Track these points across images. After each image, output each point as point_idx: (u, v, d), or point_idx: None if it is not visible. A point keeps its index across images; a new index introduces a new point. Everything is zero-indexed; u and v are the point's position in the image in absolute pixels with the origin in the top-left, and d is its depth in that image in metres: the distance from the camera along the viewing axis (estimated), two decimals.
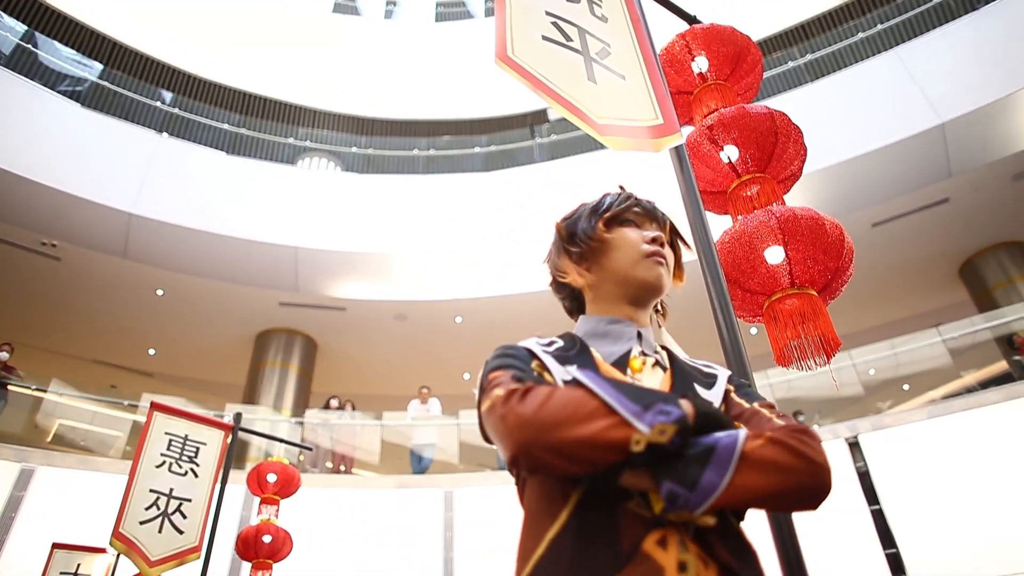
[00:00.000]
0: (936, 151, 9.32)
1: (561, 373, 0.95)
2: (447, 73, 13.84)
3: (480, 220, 10.89)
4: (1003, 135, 9.18)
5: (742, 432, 0.80)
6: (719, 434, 0.80)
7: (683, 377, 1.04)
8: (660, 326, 1.23)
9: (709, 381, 1.06)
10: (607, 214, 1.13)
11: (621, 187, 1.24)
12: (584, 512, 0.83)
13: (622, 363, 1.01)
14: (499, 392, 0.84)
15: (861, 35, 11.03)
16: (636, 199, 1.17)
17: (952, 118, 8.96)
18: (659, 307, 1.21)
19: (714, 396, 1.03)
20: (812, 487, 0.80)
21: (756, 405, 0.99)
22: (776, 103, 9.94)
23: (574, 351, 1.01)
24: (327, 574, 7.63)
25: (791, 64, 11.45)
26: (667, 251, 1.13)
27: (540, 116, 14.16)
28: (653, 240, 1.10)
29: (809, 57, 11.37)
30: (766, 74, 11.23)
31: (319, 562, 7.55)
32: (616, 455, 0.76)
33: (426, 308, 11.44)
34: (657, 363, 1.04)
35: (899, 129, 9.27)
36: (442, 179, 11.77)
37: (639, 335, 1.07)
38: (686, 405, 0.80)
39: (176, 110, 11.75)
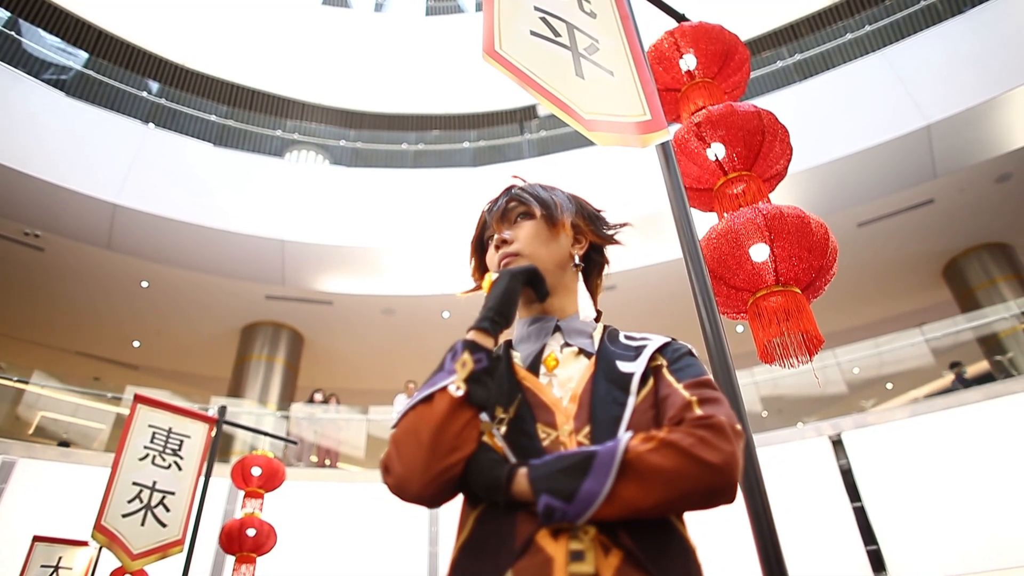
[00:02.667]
0: (922, 152, 9.40)
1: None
2: (437, 67, 13.79)
3: (468, 215, 10.84)
4: (987, 137, 9.27)
5: (626, 436, 0.81)
6: (606, 444, 0.81)
7: (606, 359, 1.00)
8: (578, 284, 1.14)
9: (633, 354, 1.00)
10: (474, 258, 1.21)
11: (516, 177, 1.25)
12: (485, 521, 0.86)
13: (536, 362, 1.02)
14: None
15: (850, 36, 11.09)
16: (485, 216, 1.19)
17: (938, 120, 9.04)
18: (577, 260, 1.13)
19: (636, 368, 0.97)
20: (706, 491, 0.78)
21: (681, 386, 0.92)
22: (764, 102, 9.99)
23: (499, 364, 1.03)
24: (311, 568, 7.62)
25: (780, 64, 11.50)
26: (518, 231, 1.11)
27: (530, 112, 14.15)
28: (497, 248, 1.11)
29: (798, 57, 11.43)
30: (755, 73, 11.28)
31: (303, 556, 7.54)
32: (461, 417, 0.84)
33: (413, 303, 11.41)
34: (582, 352, 1.03)
35: (886, 130, 9.34)
36: (431, 173, 11.74)
37: (559, 328, 1.06)
38: (469, 335, 0.90)
39: (163, 101, 11.63)
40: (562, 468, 0.80)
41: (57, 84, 10.29)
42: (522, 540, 0.79)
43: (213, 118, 11.91)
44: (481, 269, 1.21)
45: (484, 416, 0.92)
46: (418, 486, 0.82)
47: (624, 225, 1.23)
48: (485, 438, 0.90)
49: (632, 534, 0.79)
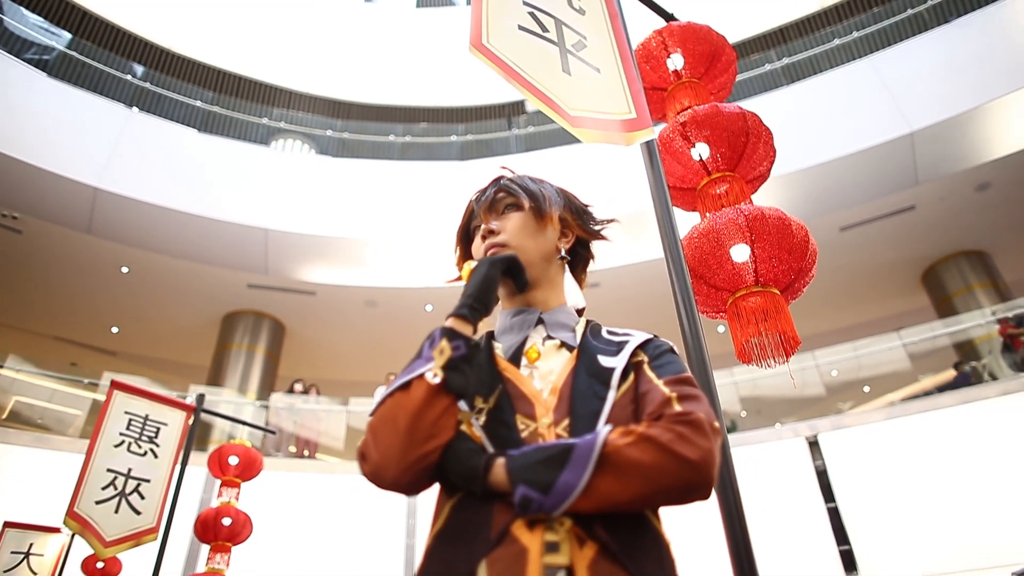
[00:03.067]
0: (904, 159, 9.51)
1: None
2: (426, 59, 13.74)
3: (454, 209, 10.78)
4: (969, 146, 9.40)
5: (605, 430, 0.82)
6: (584, 437, 0.82)
7: (587, 353, 1.00)
8: (564, 274, 1.17)
9: (615, 349, 1.01)
10: (459, 248, 1.19)
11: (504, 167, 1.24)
12: (460, 510, 0.85)
13: (518, 354, 1.02)
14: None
15: (838, 41, 11.18)
16: (473, 205, 1.18)
17: (921, 127, 9.15)
18: (563, 254, 1.14)
19: (617, 363, 0.98)
20: (684, 487, 0.79)
21: (661, 382, 0.92)
22: (751, 105, 10.05)
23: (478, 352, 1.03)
24: (288, 558, 7.59)
25: (768, 67, 11.57)
26: (505, 223, 1.10)
27: (518, 107, 14.13)
28: (484, 238, 1.11)
29: (786, 61, 11.50)
30: (743, 76, 11.33)
31: (279, 546, 7.51)
32: (438, 405, 0.84)
33: (397, 295, 11.38)
34: (564, 345, 1.03)
35: (870, 136, 9.44)
36: (417, 166, 11.70)
37: (541, 320, 1.07)
38: (448, 322, 0.91)
39: (148, 84, 11.47)
40: (540, 459, 0.80)
41: (39, 64, 10.12)
42: (497, 530, 0.79)
43: (199, 104, 11.77)
44: (466, 258, 1.20)
45: (463, 405, 0.92)
46: (394, 473, 0.82)
47: (611, 221, 1.24)
48: (463, 427, 0.90)
49: (607, 527, 0.80)
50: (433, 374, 0.84)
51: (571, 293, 1.11)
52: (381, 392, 0.87)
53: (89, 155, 9.53)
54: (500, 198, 1.13)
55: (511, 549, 0.78)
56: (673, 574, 0.84)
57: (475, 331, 0.93)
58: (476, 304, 0.93)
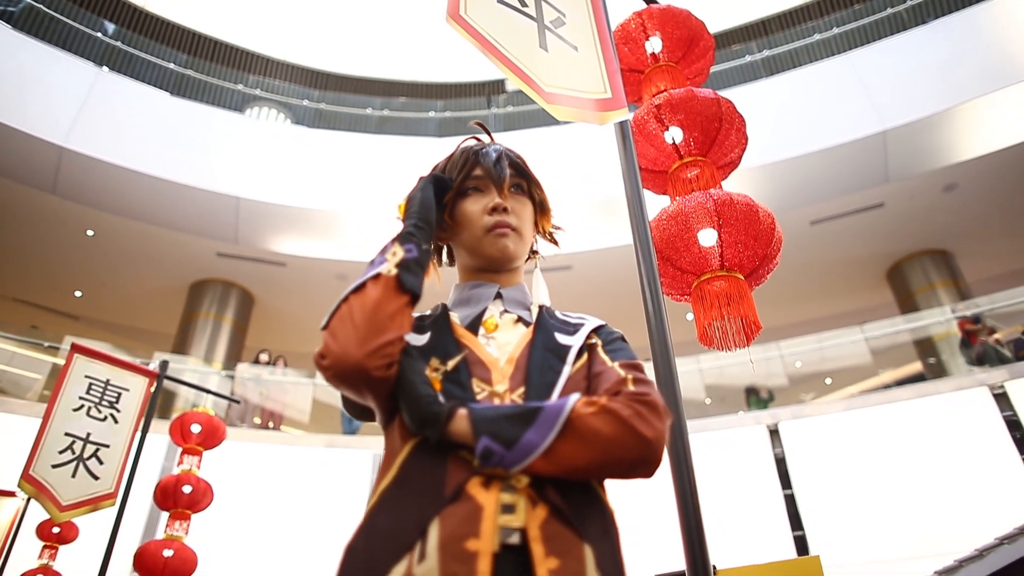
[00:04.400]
0: (876, 157, 9.66)
1: (413, 340, 0.98)
2: (407, 33, 13.55)
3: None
4: (939, 147, 9.57)
5: (574, 397, 0.84)
6: (551, 401, 0.84)
7: (544, 330, 1.03)
8: (536, 271, 1.21)
9: (572, 330, 1.04)
10: (447, 196, 1.12)
11: (477, 138, 1.23)
12: (413, 462, 0.85)
13: (476, 323, 1.04)
14: None
15: (818, 36, 11.27)
16: (475, 157, 1.14)
17: (895, 126, 9.30)
18: (535, 247, 1.20)
19: (574, 341, 1.01)
20: (635, 460, 0.82)
21: (616, 364, 0.96)
22: (731, 95, 10.06)
23: (429, 320, 1.05)
24: (249, 527, 7.57)
25: (748, 58, 11.63)
26: (516, 206, 1.12)
27: (498, 86, 14.04)
28: (494, 210, 1.09)
29: (767, 53, 11.57)
30: (725, 66, 11.38)
31: (241, 515, 7.48)
32: (394, 300, 0.87)
33: None
34: (520, 319, 1.06)
35: (844, 132, 9.57)
36: (394, 141, 11.58)
37: (500, 295, 1.09)
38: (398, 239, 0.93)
39: (119, 43, 11.15)
40: (506, 415, 0.82)
41: (3, 16, 9.77)
42: (452, 487, 0.80)
43: (172, 66, 11.49)
44: (442, 206, 1.13)
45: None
46: (357, 357, 0.82)
47: (558, 229, 1.26)
48: (428, 373, 0.91)
49: (559, 491, 0.82)
50: (387, 270, 0.88)
51: (540, 293, 1.14)
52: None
53: (55, 113, 9.26)
54: (511, 175, 1.14)
55: (466, 506, 0.78)
56: (617, 540, 0.86)
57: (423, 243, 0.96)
58: (421, 223, 0.97)
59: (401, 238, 0.94)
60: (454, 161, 1.16)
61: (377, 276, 0.88)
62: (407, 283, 0.88)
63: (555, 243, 1.25)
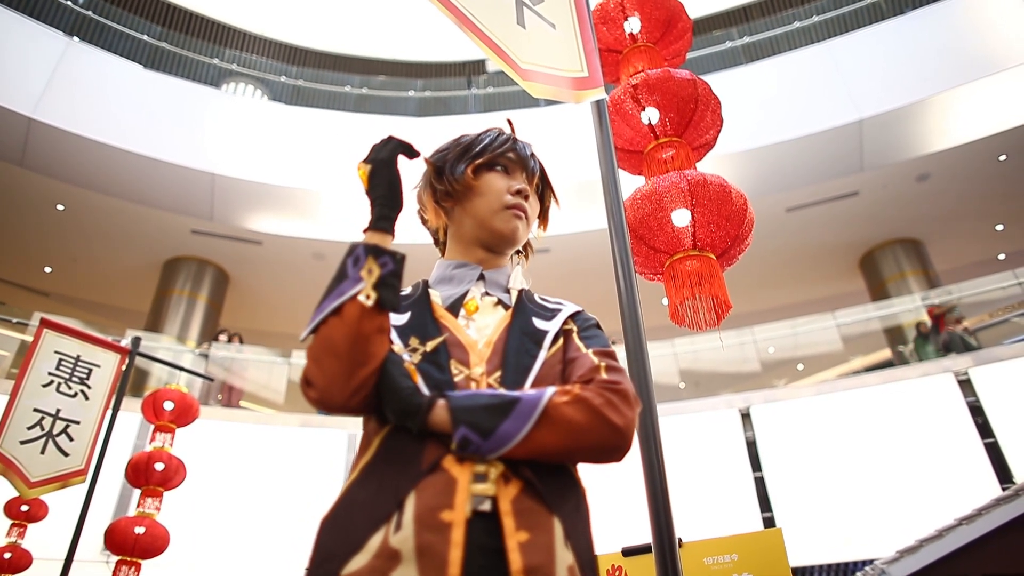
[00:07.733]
0: (852, 145, 9.77)
1: (392, 319, 0.99)
2: (387, 10, 13.35)
3: (410, 166, 10.68)
4: (914, 137, 9.71)
5: (550, 390, 0.87)
6: (529, 392, 0.87)
7: (523, 313, 1.06)
8: (520, 263, 1.25)
9: (549, 315, 1.07)
10: (479, 159, 1.14)
11: (510, 121, 1.26)
12: (391, 445, 0.88)
13: (457, 305, 1.06)
14: None
15: (798, 24, 11.33)
16: (513, 143, 1.18)
17: (870, 115, 9.40)
18: (521, 247, 1.24)
19: (550, 327, 1.04)
20: (605, 447, 0.87)
21: (591, 352, 0.99)
22: (710, 81, 10.12)
23: (411, 299, 1.06)
24: (222, 505, 7.54)
25: (728, 44, 11.65)
26: (532, 201, 1.17)
27: (479, 66, 13.92)
28: (518, 192, 1.13)
29: (747, 39, 11.60)
30: (705, 51, 11.39)
31: (213, 494, 7.45)
32: (373, 324, 0.85)
33: (345, 249, 11.21)
34: (500, 303, 1.08)
35: (821, 120, 9.66)
36: (373, 119, 11.46)
37: (482, 277, 1.11)
38: (369, 238, 0.92)
39: (90, 13, 10.87)
40: (484, 405, 0.84)
41: None
42: (428, 463, 0.83)
43: (145, 38, 11.23)
44: (475, 174, 1.14)
45: (397, 340, 0.96)
46: (343, 396, 0.84)
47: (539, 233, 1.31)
48: (406, 364, 0.92)
49: (532, 468, 0.85)
50: (366, 295, 0.86)
51: (516, 279, 1.16)
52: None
53: (23, 83, 9.03)
54: (538, 175, 1.20)
55: (441, 478, 0.82)
56: (587, 515, 0.91)
57: (393, 237, 0.95)
58: (390, 212, 0.96)
59: (374, 250, 0.91)
60: (490, 136, 1.18)
61: (354, 300, 0.86)
62: (387, 303, 0.87)
63: (530, 249, 1.28)
